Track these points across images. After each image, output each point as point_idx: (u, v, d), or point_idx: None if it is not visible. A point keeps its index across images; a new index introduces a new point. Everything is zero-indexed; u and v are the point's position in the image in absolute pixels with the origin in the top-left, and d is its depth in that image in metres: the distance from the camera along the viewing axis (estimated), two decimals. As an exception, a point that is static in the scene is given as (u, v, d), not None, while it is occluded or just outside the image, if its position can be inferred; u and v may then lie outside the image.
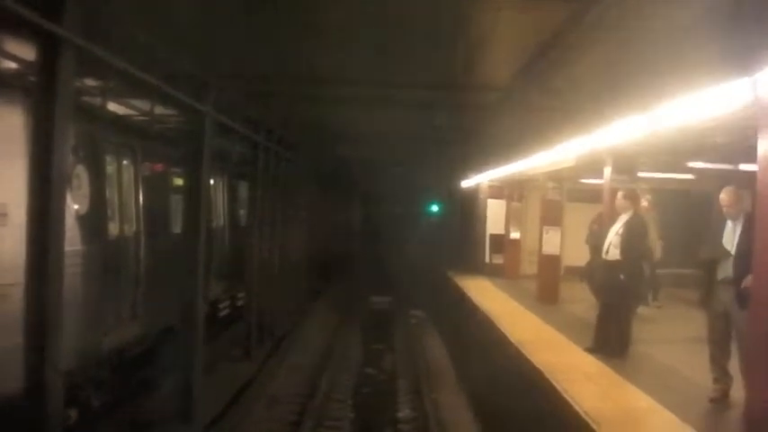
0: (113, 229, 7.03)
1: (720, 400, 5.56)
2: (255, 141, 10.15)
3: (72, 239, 5.41)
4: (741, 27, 4.06)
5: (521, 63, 6.67)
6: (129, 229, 7.39)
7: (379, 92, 8.28)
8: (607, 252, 7.42)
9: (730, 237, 5.48)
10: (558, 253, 11.62)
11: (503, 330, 8.78)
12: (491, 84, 7.76)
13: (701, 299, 6.12)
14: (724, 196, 5.55)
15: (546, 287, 11.55)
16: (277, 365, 10.75)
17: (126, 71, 5.04)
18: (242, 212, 12.25)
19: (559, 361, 7.02)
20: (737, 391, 5.36)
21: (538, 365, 6.81)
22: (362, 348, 13.72)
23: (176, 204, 8.57)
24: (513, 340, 8.10)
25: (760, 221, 4.70)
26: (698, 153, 8.89)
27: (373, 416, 9.40)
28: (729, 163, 9.09)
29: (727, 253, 5.44)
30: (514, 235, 15.22)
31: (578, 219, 11.56)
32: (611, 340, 7.30)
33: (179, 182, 8.63)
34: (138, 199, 7.61)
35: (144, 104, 7.96)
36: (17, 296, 4.47)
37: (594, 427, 5.01)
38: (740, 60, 4.12)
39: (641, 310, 9.52)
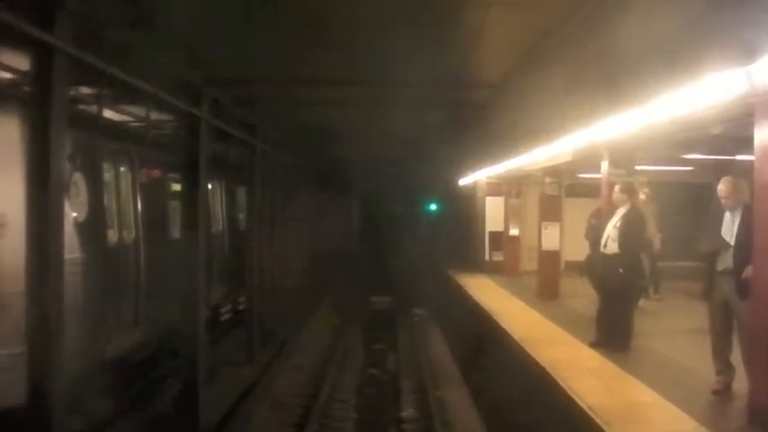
0: (112, 236, 7.03)
1: (723, 392, 5.55)
2: (252, 145, 10.14)
3: (71, 247, 5.41)
4: (736, 18, 4.06)
5: (514, 59, 6.68)
6: (129, 235, 7.38)
7: (375, 91, 8.29)
8: (605, 246, 7.43)
9: (729, 227, 5.49)
10: (557, 248, 11.62)
11: (504, 327, 8.79)
12: (485, 80, 7.77)
13: (703, 290, 6.13)
14: (722, 187, 5.55)
15: (546, 283, 11.55)
16: (280, 368, 10.75)
17: (120, 78, 5.04)
18: (241, 216, 12.25)
19: (562, 356, 7.03)
20: (740, 382, 5.36)
21: (540, 361, 6.82)
22: (365, 348, 13.73)
23: (175, 210, 8.57)
24: (514, 337, 8.11)
25: (759, 211, 4.72)
26: (695, 145, 8.90)
27: (377, 416, 9.40)
28: (726, 154, 9.10)
29: (727, 244, 5.44)
30: (513, 232, 15.22)
31: (577, 214, 11.55)
32: (612, 334, 7.31)
33: (177, 187, 8.63)
34: (137, 205, 7.60)
35: (140, 110, 7.95)
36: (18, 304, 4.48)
37: (599, 421, 5.02)
38: (735, 51, 4.13)
39: (642, 303, 9.52)
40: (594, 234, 8.62)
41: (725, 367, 5.61)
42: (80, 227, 6.15)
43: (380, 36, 5.79)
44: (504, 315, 9.65)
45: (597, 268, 8.06)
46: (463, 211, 19.59)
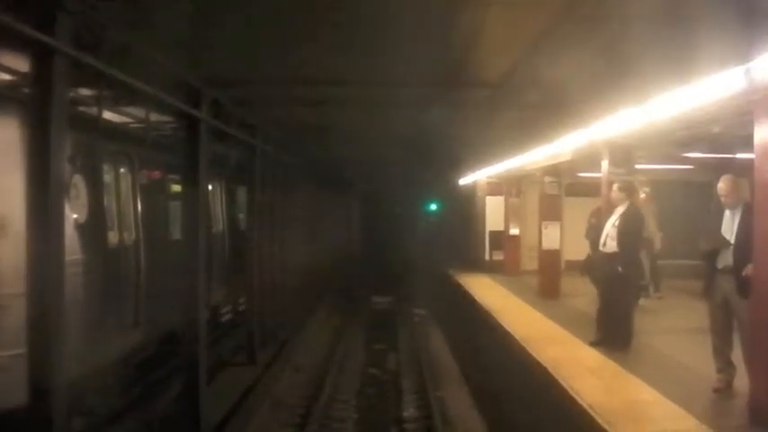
0: (113, 237, 7.03)
1: (724, 391, 5.55)
2: (252, 145, 10.14)
3: (71, 249, 5.41)
4: (735, 16, 4.07)
5: (513, 58, 6.67)
6: (129, 236, 7.39)
7: (375, 91, 8.27)
8: (604, 244, 7.44)
9: (729, 226, 5.49)
10: (557, 248, 11.63)
11: (505, 326, 8.79)
12: (485, 80, 7.75)
13: (703, 289, 6.12)
14: (722, 185, 5.55)
15: (547, 282, 11.56)
16: (281, 369, 10.76)
17: (120, 80, 5.04)
18: (241, 217, 12.25)
19: (563, 355, 7.03)
20: (741, 380, 5.36)
21: (541, 360, 6.82)
22: (365, 348, 13.74)
23: (175, 211, 8.57)
24: (515, 336, 8.11)
25: (759, 210, 4.72)
26: (695, 143, 8.90)
27: (378, 415, 9.41)
28: (727, 152, 9.10)
29: (727, 242, 5.44)
30: (514, 231, 15.23)
31: (577, 213, 11.56)
32: (613, 333, 7.31)
33: (177, 188, 8.63)
34: (137, 206, 7.61)
35: (139, 112, 7.96)
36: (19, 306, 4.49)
37: (600, 420, 5.02)
38: (735, 49, 4.13)
39: (643, 301, 9.54)
40: (595, 233, 8.62)
41: (725, 365, 5.61)
42: (80, 228, 6.16)
43: (380, 36, 5.79)
44: (505, 314, 9.66)
45: (597, 267, 8.07)
46: (463, 210, 19.60)
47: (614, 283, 7.35)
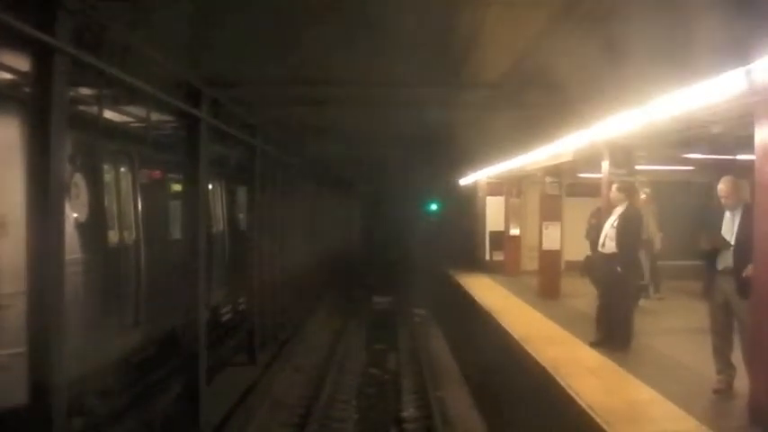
0: (113, 236, 7.03)
1: (724, 392, 5.55)
2: (252, 145, 10.15)
3: (71, 248, 5.41)
4: (736, 17, 4.06)
5: (514, 58, 6.68)
6: (129, 236, 7.38)
7: (375, 91, 8.28)
8: (603, 245, 7.44)
9: (729, 227, 5.48)
10: (558, 248, 11.63)
11: (505, 326, 8.79)
12: (485, 80, 7.76)
13: (703, 290, 6.12)
14: (722, 186, 5.55)
15: (547, 282, 11.56)
16: (281, 369, 10.76)
17: (120, 79, 5.04)
18: (242, 217, 12.25)
19: (563, 356, 7.02)
20: (741, 381, 5.36)
21: (541, 361, 6.82)
22: (365, 348, 13.74)
23: (175, 210, 8.57)
24: (515, 336, 8.11)
25: (759, 211, 4.72)
26: (695, 144, 8.89)
27: (378, 415, 9.41)
28: (727, 153, 9.10)
29: (727, 243, 5.44)
30: (514, 231, 15.22)
31: (578, 213, 11.55)
32: (613, 334, 7.31)
33: (177, 187, 8.63)
34: (137, 206, 7.60)
35: (140, 111, 7.96)
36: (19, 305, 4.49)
37: (599, 420, 5.01)
38: (736, 50, 4.13)
39: (643, 302, 9.53)
40: (595, 234, 8.61)
41: (725, 366, 5.60)
42: (80, 227, 6.16)
43: (380, 36, 5.79)
44: (505, 314, 9.65)
45: (596, 268, 8.07)
46: (464, 210, 19.59)
47: (614, 284, 7.35)
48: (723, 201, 5.54)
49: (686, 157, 10.31)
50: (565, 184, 12.62)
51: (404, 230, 29.87)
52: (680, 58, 4.80)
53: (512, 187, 15.38)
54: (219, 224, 11.07)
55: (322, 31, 5.81)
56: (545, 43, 5.87)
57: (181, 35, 5.81)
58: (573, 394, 5.67)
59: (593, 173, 10.06)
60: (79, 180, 6.29)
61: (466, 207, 19.07)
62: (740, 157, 8.54)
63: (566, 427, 5.67)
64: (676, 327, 8.56)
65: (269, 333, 11.02)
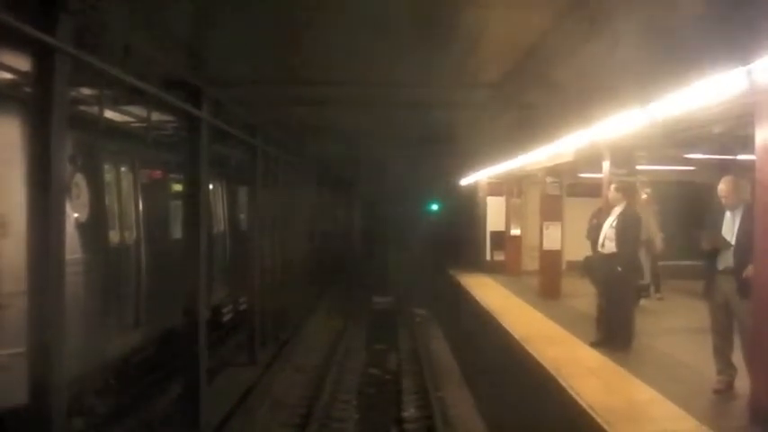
0: (114, 236, 7.03)
1: (725, 392, 5.54)
2: (253, 145, 10.15)
3: (72, 247, 5.41)
4: (736, 16, 4.06)
5: (515, 59, 6.67)
6: (129, 236, 7.39)
7: (375, 91, 8.28)
8: (603, 245, 7.45)
9: (730, 227, 5.48)
10: (558, 248, 11.63)
11: (506, 326, 8.79)
12: (486, 80, 7.76)
13: (704, 290, 6.11)
14: (722, 186, 5.55)
15: (548, 282, 11.56)
16: (281, 368, 10.76)
17: (121, 79, 5.04)
18: (242, 217, 12.26)
19: (563, 356, 7.02)
20: (741, 381, 5.36)
21: (542, 361, 6.82)
22: (366, 348, 13.73)
23: (176, 210, 8.58)
24: (516, 336, 8.11)
25: (760, 211, 4.71)
26: (696, 144, 8.89)
27: (378, 416, 9.40)
28: (728, 153, 9.09)
29: (728, 243, 5.44)
30: (515, 231, 15.23)
31: (578, 213, 11.54)
32: (613, 334, 7.30)
33: (178, 188, 8.63)
34: (138, 206, 7.61)
35: (140, 111, 7.97)
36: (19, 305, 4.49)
37: (600, 420, 5.01)
38: (736, 50, 4.12)
39: (644, 302, 9.53)
40: (596, 234, 8.60)
41: (726, 366, 5.60)
42: (81, 227, 6.16)
43: (381, 36, 5.80)
44: (506, 314, 9.65)
45: (597, 268, 8.07)
46: (464, 210, 19.59)
47: (614, 284, 7.35)
48: (723, 201, 5.53)
49: (687, 157, 10.31)
50: (566, 185, 12.62)
51: (404, 231, 29.87)
52: (680, 57, 4.80)
53: (512, 187, 15.38)
54: (220, 224, 11.08)
55: (322, 31, 5.81)
56: (546, 43, 5.86)
57: (181, 35, 5.82)
58: (574, 394, 5.67)
59: (593, 173, 10.05)
60: (80, 180, 6.30)
61: (467, 207, 19.07)
62: (741, 157, 8.54)
63: (566, 426, 5.67)
64: (677, 327, 8.55)
65: (269, 332, 11.02)
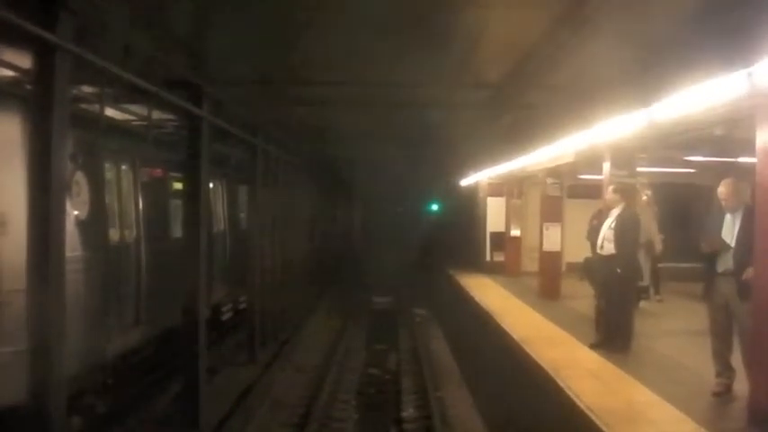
0: (114, 234, 7.03)
1: (724, 394, 5.54)
2: (254, 145, 10.15)
3: (72, 245, 5.42)
4: (737, 19, 4.06)
5: (515, 59, 6.68)
6: (130, 234, 7.39)
7: (375, 91, 8.28)
8: (601, 247, 7.45)
9: (730, 229, 5.47)
10: (558, 249, 11.62)
11: (505, 328, 8.79)
12: (486, 81, 7.77)
13: (703, 292, 6.12)
14: (722, 189, 5.54)
15: (547, 283, 11.55)
16: (281, 368, 10.76)
17: (122, 77, 5.05)
18: (242, 216, 12.27)
19: (562, 357, 7.02)
20: (741, 383, 5.35)
21: (541, 362, 6.81)
22: (366, 348, 13.74)
23: (176, 209, 8.58)
24: (515, 337, 8.10)
25: (760, 213, 4.71)
26: (697, 146, 8.89)
27: (378, 415, 9.40)
28: (728, 155, 9.09)
29: (727, 245, 5.44)
30: (515, 232, 15.22)
31: (579, 215, 11.55)
32: (613, 335, 7.30)
33: (178, 186, 8.63)
34: (138, 204, 7.61)
35: (141, 110, 7.97)
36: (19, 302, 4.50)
37: (598, 422, 5.01)
38: (737, 52, 4.12)
39: (643, 304, 9.52)
40: (596, 235, 8.61)
41: (725, 369, 5.60)
42: (81, 225, 6.16)
43: (381, 36, 5.80)
44: (505, 315, 9.65)
45: (596, 269, 8.07)
46: (464, 211, 19.59)
47: (613, 285, 7.35)
48: (723, 203, 5.53)
49: (688, 160, 10.32)
50: (566, 186, 12.62)
51: (404, 231, 29.89)
52: (681, 59, 4.80)
53: (513, 188, 15.37)
54: (220, 223, 11.08)
55: (322, 31, 5.82)
56: (546, 44, 5.86)
57: (182, 34, 5.82)
58: (572, 396, 5.67)
59: (594, 174, 10.06)
60: (80, 178, 6.30)
61: (467, 208, 19.07)
62: (741, 159, 8.54)
63: (565, 428, 5.67)
64: (676, 329, 8.55)
65: (269, 332, 11.02)
